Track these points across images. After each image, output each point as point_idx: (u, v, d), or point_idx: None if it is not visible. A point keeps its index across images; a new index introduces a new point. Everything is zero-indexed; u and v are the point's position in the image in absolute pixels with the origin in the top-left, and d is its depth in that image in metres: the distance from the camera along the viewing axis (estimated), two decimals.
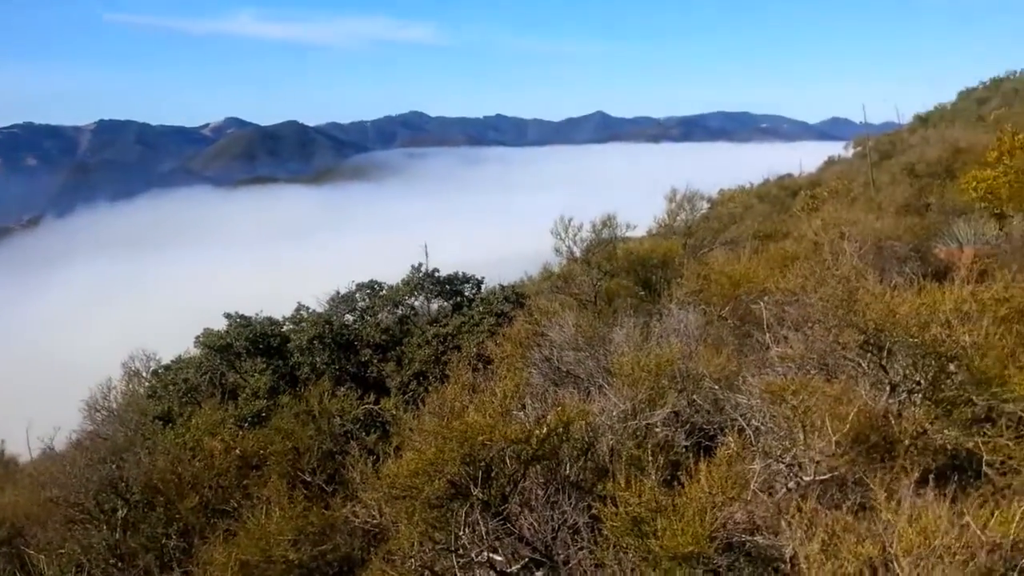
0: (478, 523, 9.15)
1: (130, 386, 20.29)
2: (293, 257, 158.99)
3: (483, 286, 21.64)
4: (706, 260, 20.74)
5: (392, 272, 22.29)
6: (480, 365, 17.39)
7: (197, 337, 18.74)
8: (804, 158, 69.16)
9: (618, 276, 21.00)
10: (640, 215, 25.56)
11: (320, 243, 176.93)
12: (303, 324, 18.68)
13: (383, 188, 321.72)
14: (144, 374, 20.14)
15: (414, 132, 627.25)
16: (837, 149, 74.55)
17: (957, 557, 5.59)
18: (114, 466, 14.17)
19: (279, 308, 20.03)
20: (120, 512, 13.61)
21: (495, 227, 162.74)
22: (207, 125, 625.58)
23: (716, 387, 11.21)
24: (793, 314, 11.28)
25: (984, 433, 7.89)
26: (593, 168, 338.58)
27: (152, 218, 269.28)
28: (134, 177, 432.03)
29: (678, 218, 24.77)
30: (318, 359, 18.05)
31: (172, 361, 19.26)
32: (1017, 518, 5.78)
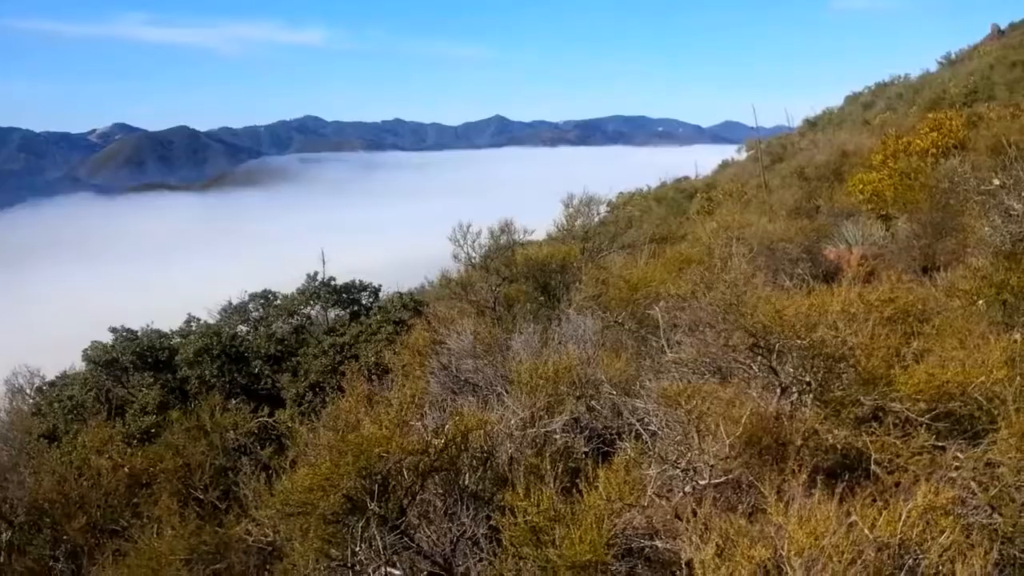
0: (375, 538, 8.95)
1: (13, 404, 19.34)
2: (183, 267, 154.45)
3: (381, 294, 21.35)
4: (604, 264, 20.95)
5: (288, 281, 21.82)
6: (378, 375, 17.16)
7: (84, 351, 17.96)
8: (699, 161, 70.69)
9: (517, 282, 21.00)
10: (539, 219, 25.66)
11: (212, 252, 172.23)
12: (191, 336, 18.07)
13: (278, 194, 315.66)
14: (28, 391, 19.20)
15: (310, 137, 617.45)
16: (731, 152, 76.31)
17: (845, 556, 5.70)
18: None
19: (169, 321, 19.38)
20: (4, 535, 13.06)
21: (393, 233, 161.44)
22: (94, 131, 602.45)
23: (614, 392, 11.26)
24: (686, 318, 11.44)
25: (872, 432, 8.11)
26: (492, 172, 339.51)
27: (34, 228, 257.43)
28: (19, 185, 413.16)
29: (576, 222, 24.98)
30: (207, 372, 17.47)
31: (57, 377, 18.42)
32: (904, 516, 5.94)
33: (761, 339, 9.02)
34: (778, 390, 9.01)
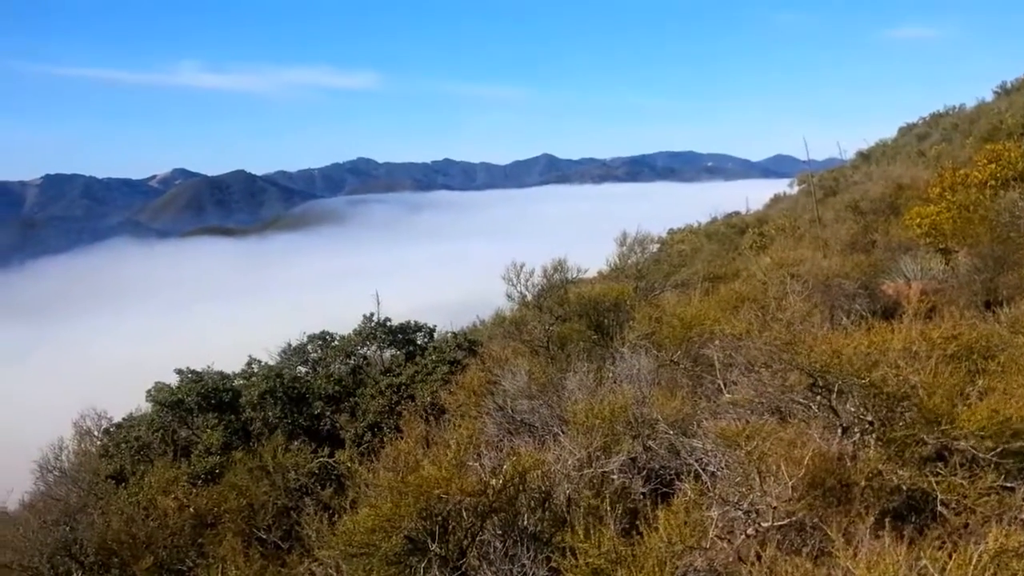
0: None
1: (82, 445, 19.81)
2: (240, 310, 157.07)
3: (435, 334, 21.55)
4: (657, 302, 20.89)
5: (343, 322, 22.12)
6: (434, 415, 17.30)
7: (148, 391, 18.37)
8: (750, 195, 70.11)
9: (570, 320, 21.03)
10: (586, 257, 25.67)
11: (268, 295, 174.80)
12: (254, 378, 18.41)
13: (331, 236, 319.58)
14: (96, 433, 19.67)
15: (362, 179, 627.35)
16: (782, 186, 75.59)
17: None
18: (68, 528, 13.84)
19: (230, 363, 19.75)
20: (75, 575, 13.27)
21: (445, 273, 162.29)
22: (154, 177, 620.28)
23: (671, 432, 11.24)
24: (742, 358, 11.40)
25: (938, 472, 7.99)
26: (541, 211, 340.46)
27: (100, 272, 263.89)
28: (82, 231, 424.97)
29: (629, 260, 24.99)
30: (270, 413, 17.78)
31: (124, 419, 18.83)
32: (975, 560, 5.86)
33: (819, 379, 8.98)
34: (839, 430, 8.94)
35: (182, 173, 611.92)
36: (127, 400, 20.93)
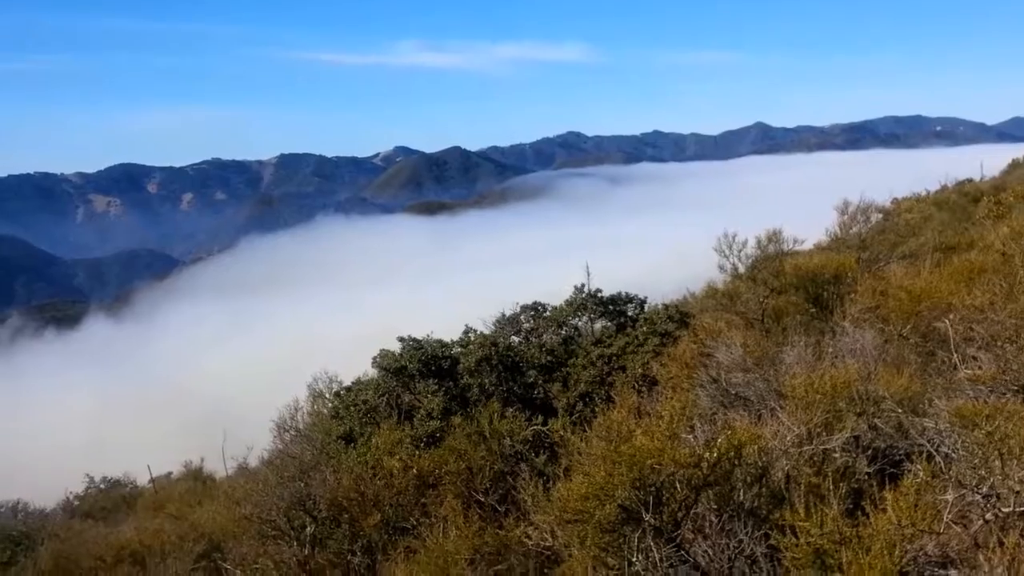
0: (651, 549, 9.07)
1: (315, 407, 21.35)
2: (460, 280, 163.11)
3: (646, 305, 21.43)
4: (882, 274, 19.83)
5: (553, 292, 22.44)
6: (645, 386, 17.27)
7: (374, 358, 19.44)
8: (985, 161, 64.88)
9: (786, 293, 20.35)
10: (806, 228, 24.64)
11: (484, 265, 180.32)
12: (471, 346, 19.08)
13: (528, 212, 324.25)
14: (327, 395, 21.12)
15: (572, 152, 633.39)
16: (1021, 151, 69.53)
17: None
18: (302, 484, 14.91)
19: (447, 332, 20.55)
20: (309, 529, 14.30)
21: (655, 244, 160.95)
22: (378, 154, 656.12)
23: (899, 410, 10.68)
24: (982, 332, 10.64)
25: None
26: (754, 181, 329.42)
27: (333, 245, 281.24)
28: (313, 206, 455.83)
29: (851, 230, 23.80)
30: (487, 380, 18.37)
31: (352, 383, 20.06)
32: None
33: None
34: None
35: (403, 151, 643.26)
36: (346, 368, 22.39)
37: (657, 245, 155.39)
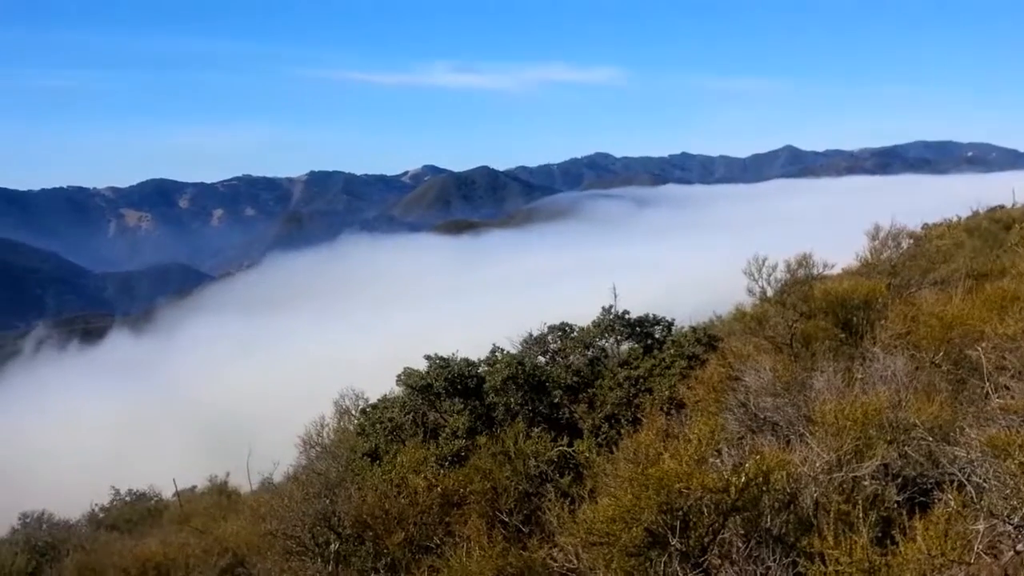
0: (678, 574, 9.03)
1: (341, 424, 21.47)
2: (481, 300, 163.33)
3: (673, 328, 21.41)
4: (913, 301, 19.66)
5: (574, 314, 22.48)
6: (672, 409, 17.22)
7: (398, 376, 19.53)
8: (1017, 188, 64.11)
9: (815, 317, 20.21)
10: (835, 253, 24.46)
11: (514, 285, 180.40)
12: (497, 365, 19.13)
13: (567, 230, 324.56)
14: (353, 412, 21.23)
15: (600, 173, 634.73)
16: None
17: None
18: (327, 501, 14.94)
19: (468, 352, 20.60)
20: (333, 546, 14.32)
21: (676, 267, 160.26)
22: (406, 173, 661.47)
23: (929, 438, 10.58)
24: (1015, 361, 10.53)
25: None
26: (782, 204, 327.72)
27: (356, 263, 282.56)
28: (342, 225, 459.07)
29: (882, 256, 23.61)
30: (512, 400, 18.40)
31: (378, 400, 20.16)
32: None
33: None
34: None
35: (431, 169, 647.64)
36: (365, 386, 22.50)
37: (678, 268, 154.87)
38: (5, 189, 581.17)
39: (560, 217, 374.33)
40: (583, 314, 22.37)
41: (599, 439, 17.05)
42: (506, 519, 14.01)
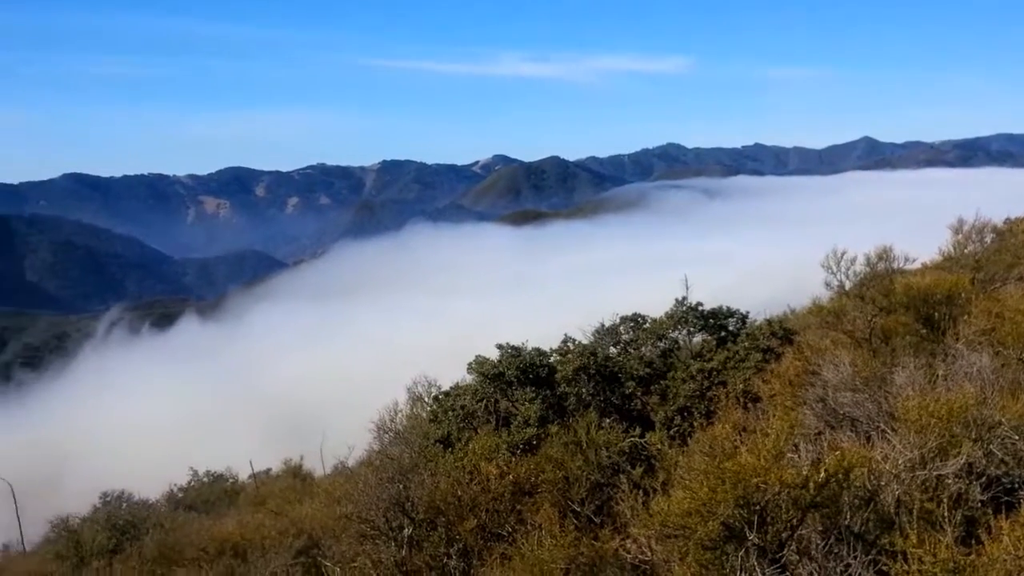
0: (754, 569, 8.94)
1: (414, 410, 21.73)
2: (544, 291, 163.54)
3: (747, 320, 21.13)
4: (998, 296, 19.08)
5: (638, 304, 22.33)
6: (747, 402, 17.01)
7: (470, 364, 19.68)
8: None
9: (895, 312, 19.75)
10: (912, 247, 23.88)
11: (579, 276, 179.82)
12: (569, 355, 19.14)
13: (634, 220, 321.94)
14: (426, 399, 21.48)
15: (670, 163, 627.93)
16: None
17: None
18: (401, 486, 15.16)
19: (537, 343, 20.64)
20: (406, 530, 14.54)
21: (742, 259, 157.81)
22: (477, 162, 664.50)
23: (1015, 437, 10.28)
24: None
25: None
26: (858, 197, 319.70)
27: (422, 252, 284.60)
28: (412, 212, 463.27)
29: (965, 250, 22.97)
30: (584, 390, 18.41)
31: (451, 388, 20.35)
32: None
33: None
34: None
35: (501, 159, 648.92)
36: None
37: (747, 260, 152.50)
38: (87, 175, 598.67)
39: (628, 208, 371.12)
40: (647, 305, 22.22)
41: (671, 431, 16.98)
42: (578, 509, 14.04)
